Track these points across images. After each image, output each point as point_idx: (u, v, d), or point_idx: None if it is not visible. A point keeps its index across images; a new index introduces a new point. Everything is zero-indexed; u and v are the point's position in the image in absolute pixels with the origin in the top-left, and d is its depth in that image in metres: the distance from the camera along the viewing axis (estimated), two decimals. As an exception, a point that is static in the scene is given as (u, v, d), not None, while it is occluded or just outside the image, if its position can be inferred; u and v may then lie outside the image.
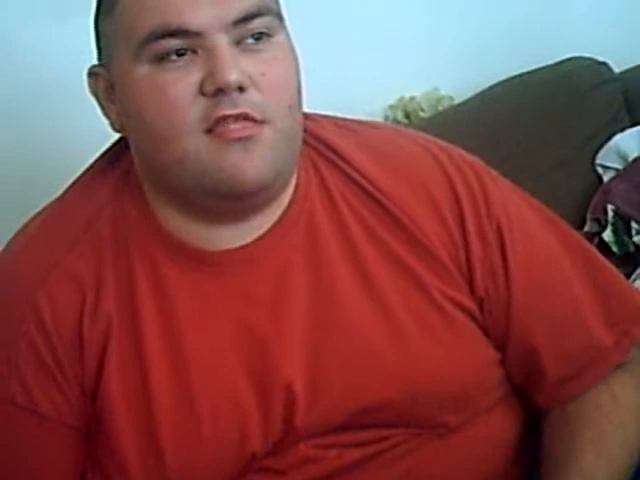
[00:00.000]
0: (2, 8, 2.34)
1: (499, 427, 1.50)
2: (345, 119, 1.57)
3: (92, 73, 1.46)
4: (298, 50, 1.44)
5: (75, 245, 1.43)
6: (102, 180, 1.48)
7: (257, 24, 1.35)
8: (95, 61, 1.48)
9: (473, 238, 1.46)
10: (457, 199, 1.47)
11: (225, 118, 1.31)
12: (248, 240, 1.42)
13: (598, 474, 1.41)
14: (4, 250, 1.51)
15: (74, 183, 1.51)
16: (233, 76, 1.30)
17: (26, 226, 1.50)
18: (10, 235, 1.53)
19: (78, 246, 1.43)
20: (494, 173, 1.54)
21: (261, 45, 1.36)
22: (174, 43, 1.32)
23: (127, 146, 1.48)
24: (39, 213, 1.51)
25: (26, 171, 2.32)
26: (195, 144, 1.33)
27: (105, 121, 1.47)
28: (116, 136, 1.51)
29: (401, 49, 2.67)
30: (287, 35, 1.41)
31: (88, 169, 1.52)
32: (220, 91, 1.31)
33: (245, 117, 1.32)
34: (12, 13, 2.36)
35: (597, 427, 1.47)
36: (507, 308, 1.47)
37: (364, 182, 1.47)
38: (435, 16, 2.72)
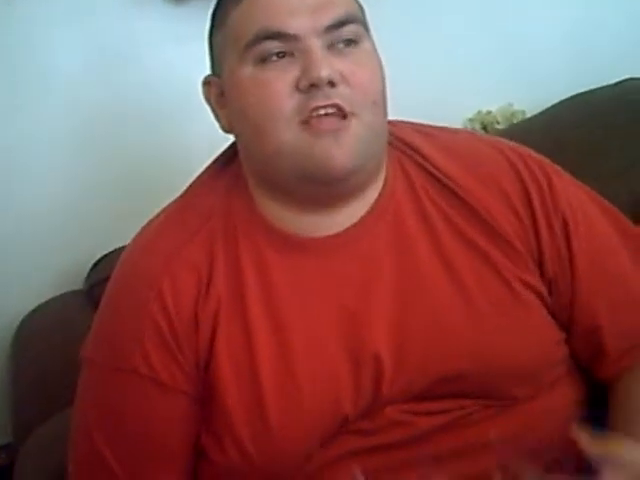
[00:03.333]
0: (135, 35, 2.39)
1: (562, 401, 1.46)
2: (425, 125, 1.57)
3: (206, 82, 1.48)
4: (390, 66, 1.44)
5: (193, 237, 1.42)
6: (216, 181, 1.49)
7: (346, 31, 1.36)
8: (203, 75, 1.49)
9: (542, 227, 1.44)
10: (526, 192, 1.45)
11: (318, 109, 1.32)
12: (340, 229, 1.41)
13: None
14: (133, 241, 1.51)
15: (193, 183, 1.52)
16: (324, 72, 1.31)
17: (152, 220, 1.51)
18: (138, 228, 1.54)
19: (196, 238, 1.42)
20: (559, 169, 1.52)
21: (349, 49, 1.36)
22: (274, 45, 1.34)
23: (236, 152, 1.48)
24: (163, 209, 1.51)
25: (154, 171, 2.35)
26: (291, 135, 1.33)
27: (217, 129, 1.48)
28: (224, 144, 1.52)
29: (479, 68, 2.67)
30: (372, 44, 1.42)
31: (204, 171, 1.53)
32: (313, 86, 1.31)
33: (336, 107, 1.32)
34: (143, 39, 2.40)
35: None
36: (572, 289, 1.45)
37: (443, 178, 1.45)
38: (510, 38, 2.70)
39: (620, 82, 2.61)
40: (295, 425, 1.36)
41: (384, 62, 1.44)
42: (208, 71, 1.49)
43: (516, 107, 2.68)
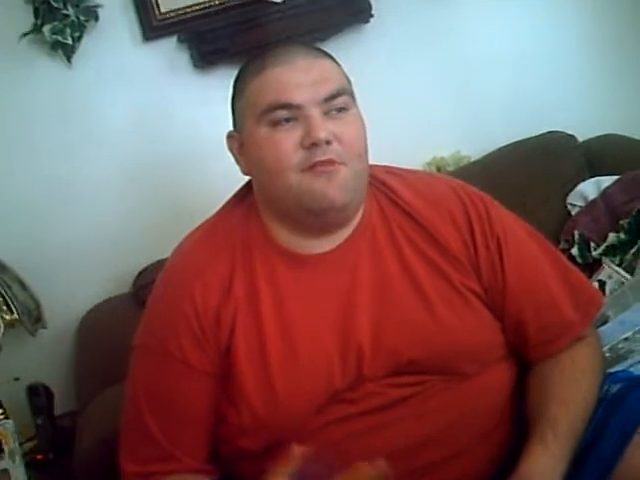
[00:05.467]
0: (169, 98, 2.40)
1: (502, 376, 1.47)
2: (395, 167, 1.57)
3: (229, 136, 1.48)
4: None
5: (219, 253, 1.43)
6: (236, 209, 1.49)
7: (339, 101, 1.38)
8: (229, 128, 1.49)
9: (480, 245, 1.45)
10: (469, 219, 1.46)
11: (317, 163, 1.34)
12: (331, 247, 1.43)
13: (561, 418, 1.37)
14: (173, 254, 1.52)
15: (218, 211, 1.52)
16: (323, 134, 1.33)
17: (188, 237, 1.51)
18: (173, 245, 1.54)
19: (221, 253, 1.43)
20: (496, 202, 1.53)
21: (341, 115, 1.38)
22: (283, 113, 1.36)
23: (250, 188, 1.49)
24: (196, 229, 1.52)
25: (185, 202, 2.34)
26: (296, 179, 1.35)
27: (233, 172, 1.49)
28: (238, 183, 1.52)
29: (434, 123, 2.66)
30: (358, 109, 1.43)
31: (227, 202, 1.53)
32: (314, 145, 1.34)
33: (330, 161, 1.34)
34: (175, 102, 2.41)
35: (559, 383, 1.43)
36: (503, 293, 1.46)
37: (407, 208, 1.46)
38: (459, 97, 2.70)
39: (543, 134, 2.64)
40: (296, 395, 1.37)
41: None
42: (228, 127, 1.49)
43: (463, 153, 2.67)
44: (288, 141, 1.35)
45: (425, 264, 1.43)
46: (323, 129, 1.34)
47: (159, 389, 1.42)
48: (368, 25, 2.53)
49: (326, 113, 1.36)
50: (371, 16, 2.52)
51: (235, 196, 1.53)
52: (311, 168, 1.35)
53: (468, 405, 1.42)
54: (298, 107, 1.35)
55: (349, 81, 1.44)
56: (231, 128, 1.49)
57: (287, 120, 1.36)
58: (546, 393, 1.43)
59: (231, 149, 1.48)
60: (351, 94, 1.42)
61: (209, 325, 1.39)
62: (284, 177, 1.36)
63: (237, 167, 1.49)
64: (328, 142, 1.34)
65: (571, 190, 2.53)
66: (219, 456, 1.45)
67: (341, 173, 1.36)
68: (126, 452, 1.44)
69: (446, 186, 1.53)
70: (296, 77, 1.37)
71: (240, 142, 1.45)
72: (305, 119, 1.35)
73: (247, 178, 1.50)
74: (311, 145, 1.34)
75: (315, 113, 1.35)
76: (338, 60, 1.46)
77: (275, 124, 1.36)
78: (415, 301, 1.41)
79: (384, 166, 1.55)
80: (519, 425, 1.45)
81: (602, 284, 2.24)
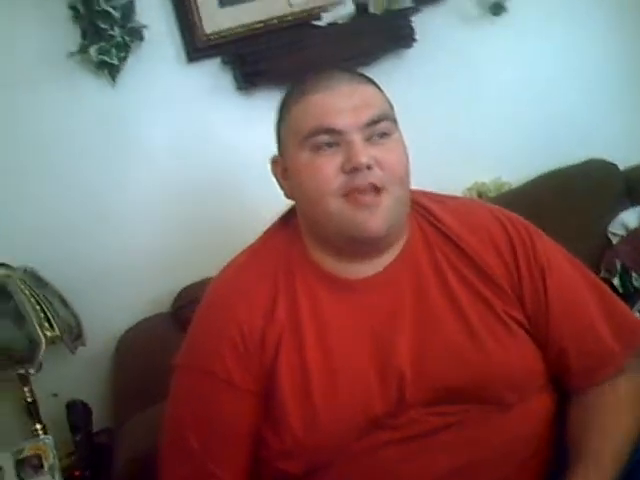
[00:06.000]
0: (211, 120, 2.42)
1: (542, 405, 1.46)
2: (437, 193, 1.58)
3: (273, 161, 1.50)
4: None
5: (262, 276, 1.45)
6: (280, 234, 1.51)
7: (380, 127, 1.39)
8: (270, 149, 1.51)
9: (523, 273, 1.45)
10: (513, 247, 1.47)
11: (358, 187, 1.35)
12: (373, 272, 1.44)
13: (603, 451, 1.37)
14: (219, 276, 1.53)
15: (263, 235, 1.54)
16: (364, 159, 1.35)
17: (233, 261, 1.53)
18: (213, 266, 1.56)
19: (264, 277, 1.45)
20: (540, 231, 1.53)
21: (383, 140, 1.40)
22: (325, 138, 1.37)
23: (294, 212, 1.50)
24: (241, 253, 1.53)
25: (225, 224, 2.35)
26: (337, 205, 1.37)
27: (274, 193, 1.50)
28: (279, 203, 1.53)
29: (475, 148, 2.67)
30: (400, 134, 1.44)
31: (271, 227, 1.55)
32: (355, 169, 1.35)
33: (372, 186, 1.35)
34: (217, 123, 2.43)
35: (602, 414, 1.42)
36: (546, 321, 1.45)
37: (450, 234, 1.47)
38: (500, 124, 2.71)
39: (584, 162, 2.64)
40: (336, 418, 1.37)
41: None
42: (269, 148, 1.50)
43: (504, 179, 2.67)
44: (329, 166, 1.37)
45: (468, 291, 1.44)
46: (364, 154, 1.35)
47: (202, 408, 1.43)
48: (410, 50, 2.56)
49: (368, 139, 1.38)
50: (414, 41, 2.54)
51: (279, 220, 1.54)
52: (352, 194, 1.36)
53: (508, 434, 1.41)
54: (340, 132, 1.37)
55: (391, 107, 1.45)
56: (272, 149, 1.50)
57: (329, 145, 1.38)
58: (588, 424, 1.42)
59: (275, 174, 1.50)
60: (393, 120, 1.43)
61: (254, 346, 1.40)
62: (324, 202, 1.38)
63: (277, 188, 1.50)
64: (369, 167, 1.35)
65: (612, 219, 2.53)
66: (259, 478, 1.46)
67: (383, 202, 1.37)
68: (166, 471, 1.45)
69: (488, 213, 1.54)
70: (338, 102, 1.38)
71: (283, 167, 1.47)
72: (347, 144, 1.37)
73: (288, 201, 1.51)
74: (352, 169, 1.35)
75: (357, 138, 1.37)
76: (380, 85, 1.48)
77: (317, 149, 1.38)
78: (457, 328, 1.41)
79: (426, 192, 1.56)
80: (558, 452, 1.45)
81: (645, 314, 2.22)
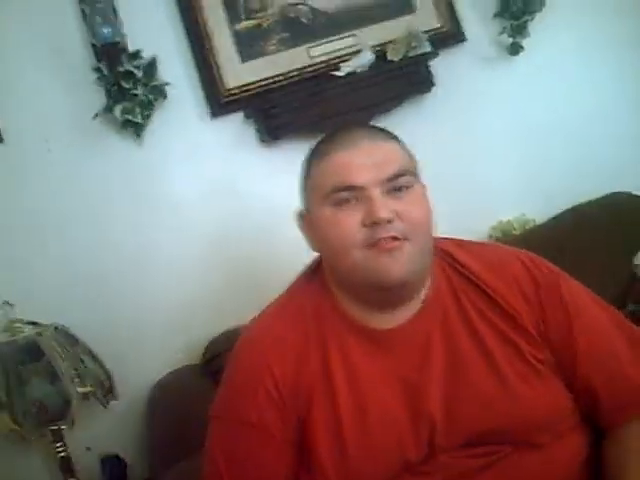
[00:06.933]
0: (236, 171, 2.48)
1: (575, 444, 1.46)
2: (462, 240, 1.60)
3: (299, 215, 1.54)
4: (429, 193, 1.49)
5: (294, 327, 1.47)
6: (307, 285, 1.54)
7: (400, 181, 1.42)
8: (294, 200, 1.54)
9: (549, 317, 1.47)
10: (538, 291, 1.48)
11: (380, 239, 1.38)
12: (402, 321, 1.46)
13: None
14: (250, 327, 1.55)
15: (292, 286, 1.57)
16: (384, 214, 1.38)
17: (264, 312, 1.55)
18: (240, 318, 1.60)
19: (295, 327, 1.47)
20: (565, 274, 1.54)
21: (403, 194, 1.42)
22: (346, 195, 1.41)
23: (320, 263, 1.54)
24: (268, 306, 1.55)
25: (253, 275, 2.40)
26: (360, 255, 1.39)
27: (299, 242, 1.53)
28: (308, 253, 1.55)
29: (497, 187, 2.71)
30: (422, 186, 1.47)
31: (299, 277, 1.57)
32: (375, 224, 1.38)
33: (393, 237, 1.38)
34: (242, 175, 2.49)
35: (637, 449, 1.42)
36: (573, 362, 1.46)
37: (476, 280, 1.49)
38: (518, 161, 2.74)
39: (608, 195, 2.65)
40: (369, 466, 1.39)
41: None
42: (293, 199, 1.54)
43: (528, 216, 2.68)
44: (351, 220, 1.40)
45: (495, 335, 1.45)
46: (384, 208, 1.38)
47: (239, 458, 1.44)
48: (430, 94, 2.60)
49: (388, 192, 1.41)
50: (432, 85, 2.58)
51: (305, 272, 1.57)
52: (375, 244, 1.39)
53: (542, 474, 1.42)
54: (360, 188, 1.40)
55: (413, 159, 1.49)
56: (296, 199, 1.54)
57: (350, 200, 1.41)
58: (624, 462, 1.42)
59: (301, 227, 1.53)
60: (414, 173, 1.46)
61: (288, 395, 1.42)
62: (349, 254, 1.40)
63: (303, 238, 1.53)
64: (390, 221, 1.38)
65: (637, 251, 2.49)
66: None
67: (405, 249, 1.39)
68: None
69: (513, 256, 1.55)
70: (359, 160, 1.42)
71: (308, 220, 1.50)
72: (367, 199, 1.40)
73: (313, 252, 1.54)
74: (372, 224, 1.38)
75: (376, 193, 1.39)
76: (402, 130, 1.52)
77: (339, 204, 1.41)
78: (487, 373, 1.43)
79: (451, 239, 1.58)
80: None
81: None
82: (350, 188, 1.40)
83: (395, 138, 1.49)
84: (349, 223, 1.40)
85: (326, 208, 1.43)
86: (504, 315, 1.46)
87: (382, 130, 1.51)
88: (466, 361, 1.44)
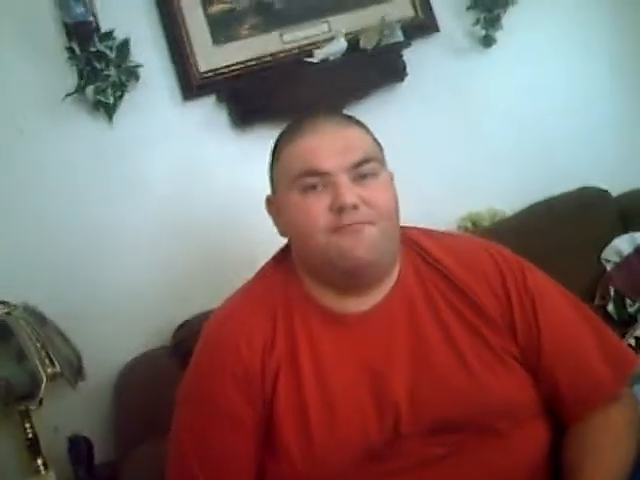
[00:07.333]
0: (207, 155, 2.47)
1: (537, 434, 1.48)
2: (431, 230, 1.62)
3: (268, 200, 1.56)
4: (400, 181, 1.52)
5: (262, 310, 1.49)
6: (275, 270, 1.56)
7: (366, 168, 1.45)
8: (264, 184, 1.56)
9: (516, 308, 1.49)
10: (504, 281, 1.51)
11: (345, 225, 1.41)
12: (368, 307, 1.48)
13: (597, 476, 1.39)
14: (218, 311, 1.57)
15: (260, 271, 1.59)
16: (349, 199, 1.40)
17: (230, 299, 1.57)
18: (210, 301, 1.60)
19: (263, 311, 1.49)
20: (531, 265, 1.57)
21: (369, 181, 1.45)
22: (313, 180, 1.43)
23: (288, 249, 1.56)
24: (237, 292, 1.58)
25: (222, 258, 2.39)
26: (325, 239, 1.42)
27: (269, 226, 1.55)
28: (276, 236, 1.56)
29: (468, 178, 2.71)
30: (388, 173, 1.50)
31: (268, 262, 1.59)
32: (341, 209, 1.40)
33: (358, 223, 1.41)
34: (213, 158, 2.48)
35: (595, 444, 1.45)
36: (538, 352, 1.48)
37: (443, 270, 1.51)
38: (491, 153, 2.76)
39: (576, 190, 2.68)
40: (333, 449, 1.41)
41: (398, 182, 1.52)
42: (263, 183, 1.56)
43: (498, 208, 2.70)
44: (318, 206, 1.42)
45: (461, 324, 1.47)
46: (350, 194, 1.41)
47: (206, 440, 1.46)
48: (403, 84, 2.61)
49: (354, 179, 1.43)
50: (405, 75, 2.59)
51: (275, 257, 1.59)
52: (340, 229, 1.41)
53: (503, 462, 1.44)
54: (327, 174, 1.43)
55: (379, 147, 1.51)
56: (266, 183, 1.56)
57: (317, 186, 1.43)
58: (582, 454, 1.45)
59: (270, 212, 1.56)
60: (379, 160, 1.49)
61: (255, 379, 1.44)
62: (314, 239, 1.43)
63: (272, 222, 1.56)
64: (355, 206, 1.41)
65: (605, 245, 2.57)
66: None
67: (369, 232, 1.42)
68: None
69: (480, 247, 1.58)
70: (325, 145, 1.44)
71: (277, 206, 1.53)
72: (333, 185, 1.42)
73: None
74: (339, 209, 1.41)
75: (342, 179, 1.42)
76: (373, 119, 1.54)
77: (306, 190, 1.44)
78: (452, 361, 1.45)
79: (420, 228, 1.60)
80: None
81: (638, 341, 2.26)
82: (316, 173, 1.43)
83: (362, 125, 1.52)
84: (316, 208, 1.42)
85: (293, 193, 1.45)
86: (471, 305, 1.49)
87: (349, 117, 1.54)
88: (432, 348, 1.46)
